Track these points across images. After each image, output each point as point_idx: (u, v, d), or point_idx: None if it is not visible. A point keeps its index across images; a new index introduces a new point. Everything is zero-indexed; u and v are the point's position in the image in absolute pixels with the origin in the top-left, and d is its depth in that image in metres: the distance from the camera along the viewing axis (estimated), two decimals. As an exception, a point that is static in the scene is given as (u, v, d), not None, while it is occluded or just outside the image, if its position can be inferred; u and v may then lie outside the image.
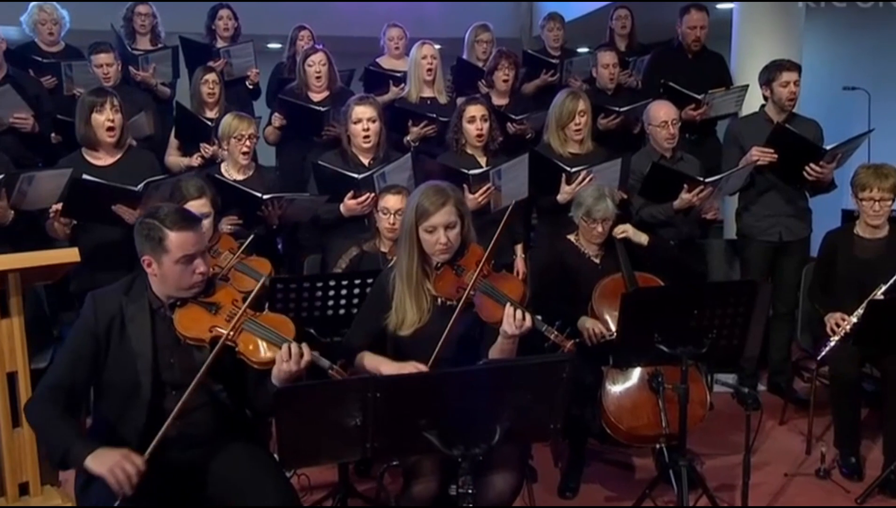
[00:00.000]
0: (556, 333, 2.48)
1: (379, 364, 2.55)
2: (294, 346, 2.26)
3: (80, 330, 2.35)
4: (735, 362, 4.34)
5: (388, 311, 2.61)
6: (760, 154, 4.11)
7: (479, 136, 3.98)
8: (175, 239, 2.29)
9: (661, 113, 4.16)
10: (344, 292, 3.05)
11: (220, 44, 5.31)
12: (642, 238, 3.57)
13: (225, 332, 2.28)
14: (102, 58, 4.63)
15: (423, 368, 2.44)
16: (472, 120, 3.99)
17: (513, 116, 4.69)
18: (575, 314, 3.36)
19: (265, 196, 3.67)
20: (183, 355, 2.35)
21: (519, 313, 2.44)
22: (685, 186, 3.91)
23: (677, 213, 4.01)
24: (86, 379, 2.35)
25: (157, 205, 2.43)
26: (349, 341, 2.70)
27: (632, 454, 3.76)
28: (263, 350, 2.29)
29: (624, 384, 3.22)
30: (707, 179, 3.95)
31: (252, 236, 3.28)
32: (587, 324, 3.33)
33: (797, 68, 4.24)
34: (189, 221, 2.34)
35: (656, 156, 4.17)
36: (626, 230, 3.56)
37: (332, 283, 3.04)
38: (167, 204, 2.44)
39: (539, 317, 2.50)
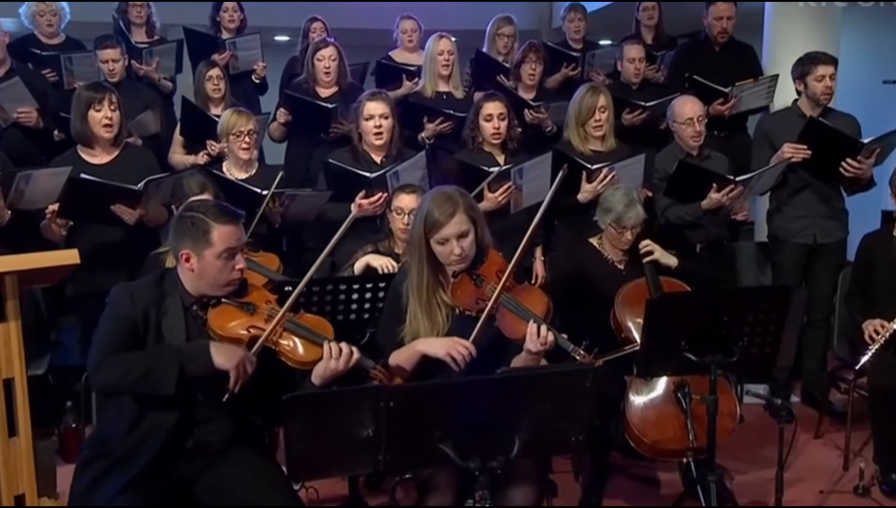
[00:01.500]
0: (581, 352, 2.48)
1: (413, 346, 2.53)
2: (342, 345, 2.32)
3: (115, 316, 2.33)
4: (767, 371, 4.29)
5: (403, 323, 2.61)
6: (793, 151, 4.09)
7: (496, 134, 3.99)
8: (221, 232, 2.33)
9: (686, 109, 4.14)
10: (356, 296, 3.06)
11: (225, 36, 5.33)
12: (671, 261, 3.54)
13: (265, 331, 2.33)
14: (109, 53, 4.65)
15: (466, 344, 2.44)
16: (489, 118, 3.99)
17: (530, 102, 4.69)
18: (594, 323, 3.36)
19: (265, 192, 3.68)
20: None
21: (543, 330, 2.44)
22: (714, 185, 3.90)
23: (705, 214, 4.00)
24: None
25: (192, 201, 2.46)
26: (379, 349, 2.66)
27: (657, 468, 3.74)
28: (305, 350, 2.35)
29: (649, 395, 3.20)
30: (737, 178, 3.94)
31: (255, 223, 3.32)
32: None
33: (833, 62, 4.22)
34: (233, 214, 2.40)
35: (682, 154, 4.16)
36: (652, 251, 3.50)
37: (342, 286, 3.04)
38: (203, 200, 2.47)
39: (564, 335, 2.50)
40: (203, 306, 2.39)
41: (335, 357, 2.30)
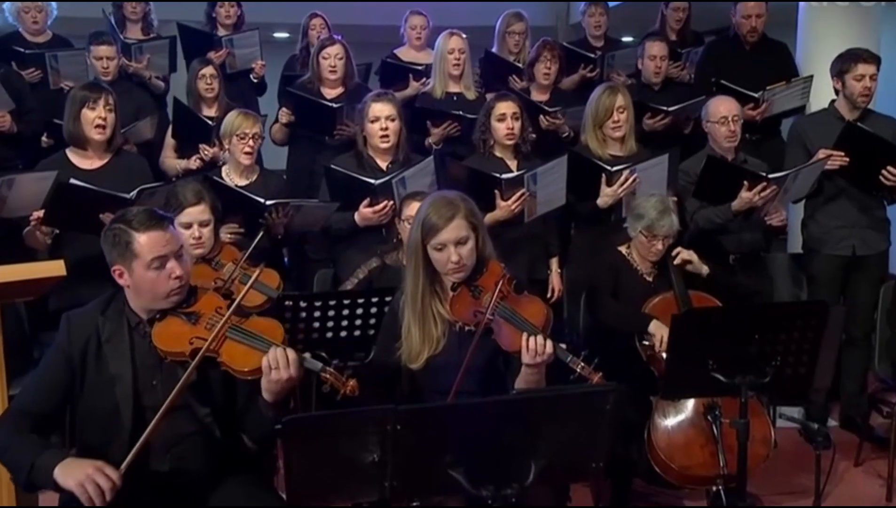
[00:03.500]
0: (582, 364, 2.47)
1: None
2: (279, 350, 2.25)
3: (53, 354, 2.39)
4: (802, 394, 4.25)
5: (399, 340, 2.61)
6: (830, 157, 4.08)
7: (510, 135, 4.00)
8: (143, 241, 2.32)
9: (722, 108, 4.14)
10: (360, 310, 3.07)
11: (221, 32, 5.36)
12: (703, 269, 3.55)
13: (207, 342, 2.29)
14: (103, 50, 4.70)
15: None
16: (501, 118, 4.00)
17: (546, 108, 4.70)
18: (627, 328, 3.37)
19: (269, 202, 3.71)
20: (167, 375, 2.36)
21: (537, 340, 2.42)
22: (745, 183, 3.88)
23: (736, 216, 3.98)
24: (55, 407, 2.39)
25: (121, 211, 2.46)
26: (381, 367, 2.67)
27: (683, 497, 3.72)
28: (245, 358, 2.29)
29: (675, 418, 3.20)
30: (770, 176, 3.91)
31: (260, 235, 3.33)
32: (656, 330, 3.31)
33: (876, 61, 4.20)
34: (157, 219, 2.37)
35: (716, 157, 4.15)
36: (687, 257, 3.51)
37: (346, 301, 3.05)
38: (130, 208, 2.46)
39: (563, 345, 2.49)
40: (151, 321, 2.38)
41: (274, 367, 2.23)
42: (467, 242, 2.55)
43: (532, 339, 2.42)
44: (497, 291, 2.52)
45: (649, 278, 3.58)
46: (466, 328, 2.56)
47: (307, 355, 2.31)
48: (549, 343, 2.43)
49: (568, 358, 2.48)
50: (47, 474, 2.19)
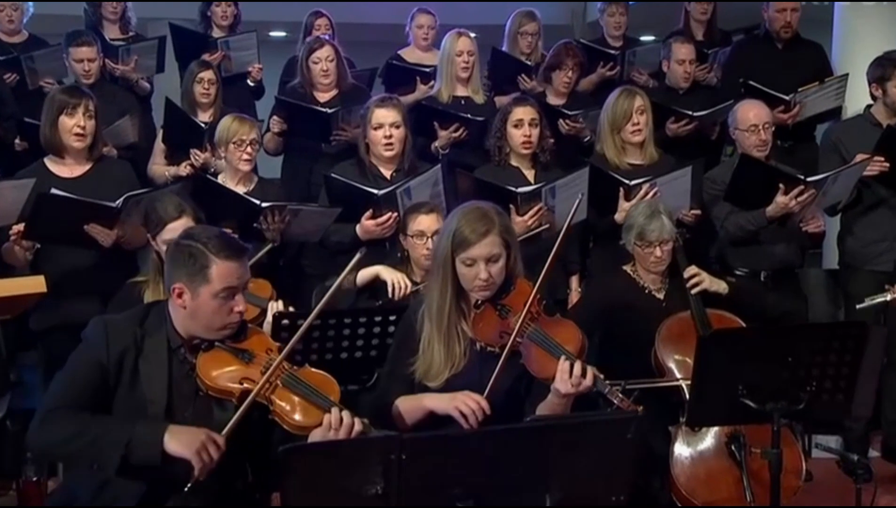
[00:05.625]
0: (620, 396, 2.47)
1: (420, 400, 2.54)
2: (343, 413, 2.28)
3: (85, 357, 2.36)
4: (840, 422, 4.27)
5: (415, 355, 2.62)
6: (869, 161, 4.07)
7: (527, 143, 4.01)
8: (222, 268, 2.33)
9: (751, 115, 4.14)
10: (362, 330, 3.07)
11: (216, 33, 5.38)
12: (720, 286, 3.52)
13: (258, 385, 2.30)
14: (84, 52, 4.71)
15: (477, 398, 2.43)
16: (518, 124, 4.01)
17: (566, 112, 4.71)
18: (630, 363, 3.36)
19: (265, 204, 3.71)
20: (201, 410, 2.37)
21: (577, 368, 2.43)
22: (781, 186, 3.87)
23: (770, 222, 3.96)
24: (91, 408, 2.32)
25: (193, 227, 2.48)
26: (382, 399, 2.67)
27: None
28: (303, 413, 2.31)
29: (697, 448, 3.19)
30: (808, 178, 3.89)
31: (267, 249, 3.34)
32: None
33: (920, 66, 4.21)
34: (238, 250, 2.39)
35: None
36: (701, 280, 3.48)
37: (347, 320, 3.05)
38: (205, 227, 2.49)
39: (602, 375, 2.48)
40: (193, 349, 2.38)
41: (335, 428, 2.27)
42: (499, 260, 2.56)
43: (571, 363, 2.43)
44: (526, 311, 2.52)
45: (660, 296, 3.56)
46: (489, 348, 2.57)
47: (367, 421, 2.33)
48: (590, 373, 2.43)
49: (606, 389, 2.47)
50: (154, 445, 2.20)
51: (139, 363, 2.35)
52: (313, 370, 2.46)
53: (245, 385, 2.32)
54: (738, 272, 4.07)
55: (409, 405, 2.56)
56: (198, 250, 2.34)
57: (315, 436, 2.29)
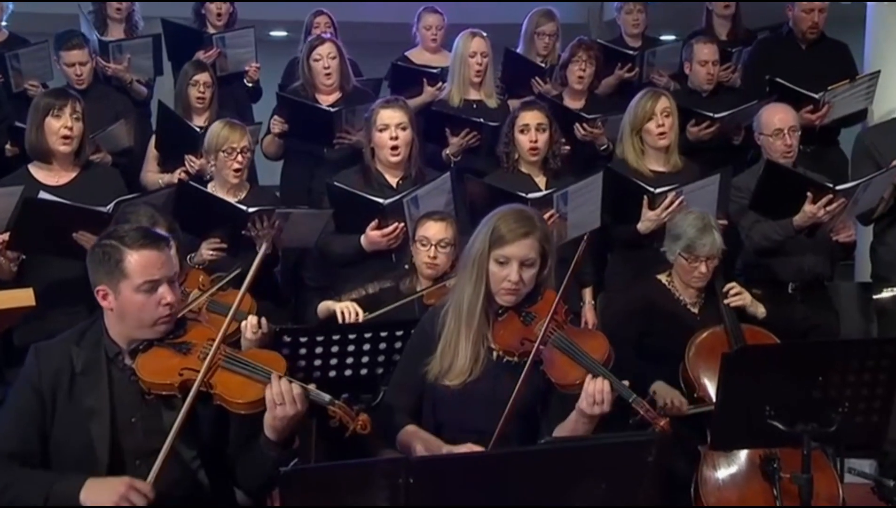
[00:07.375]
0: (646, 406, 2.48)
1: (437, 448, 2.56)
2: (283, 381, 2.28)
3: (21, 388, 2.40)
4: (875, 445, 4.24)
5: (430, 355, 2.63)
6: None
7: (533, 149, 4.02)
8: (135, 260, 2.34)
9: (776, 119, 4.14)
10: (367, 346, 3.07)
11: (211, 31, 5.38)
12: (759, 310, 3.54)
13: (200, 373, 2.31)
14: (75, 55, 4.72)
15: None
16: (524, 129, 4.03)
17: (584, 115, 4.71)
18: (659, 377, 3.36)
19: (251, 209, 3.69)
20: (148, 414, 2.38)
21: (604, 386, 2.43)
22: (809, 195, 3.86)
23: (798, 232, 3.95)
24: (38, 445, 2.37)
25: (115, 227, 2.48)
26: (390, 409, 2.71)
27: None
28: (242, 390, 2.31)
29: (727, 471, 3.19)
30: (839, 187, 3.88)
31: (236, 272, 3.32)
32: (663, 393, 3.30)
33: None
34: (153, 238, 2.40)
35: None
36: (742, 297, 3.50)
37: (352, 336, 3.05)
38: (128, 225, 2.50)
39: (626, 383, 2.49)
40: (133, 353, 2.40)
41: (279, 402, 2.26)
42: (533, 265, 2.60)
43: (597, 380, 2.44)
44: (551, 317, 2.54)
45: (695, 310, 3.57)
46: (508, 358, 2.60)
47: (312, 386, 2.34)
48: (608, 389, 2.44)
49: (631, 398, 2.49)
50: (71, 499, 2.20)
51: (76, 380, 2.38)
52: (258, 349, 2.49)
53: (185, 376, 2.32)
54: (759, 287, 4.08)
55: (422, 448, 2.59)
56: (111, 247, 2.36)
57: (266, 419, 2.29)
